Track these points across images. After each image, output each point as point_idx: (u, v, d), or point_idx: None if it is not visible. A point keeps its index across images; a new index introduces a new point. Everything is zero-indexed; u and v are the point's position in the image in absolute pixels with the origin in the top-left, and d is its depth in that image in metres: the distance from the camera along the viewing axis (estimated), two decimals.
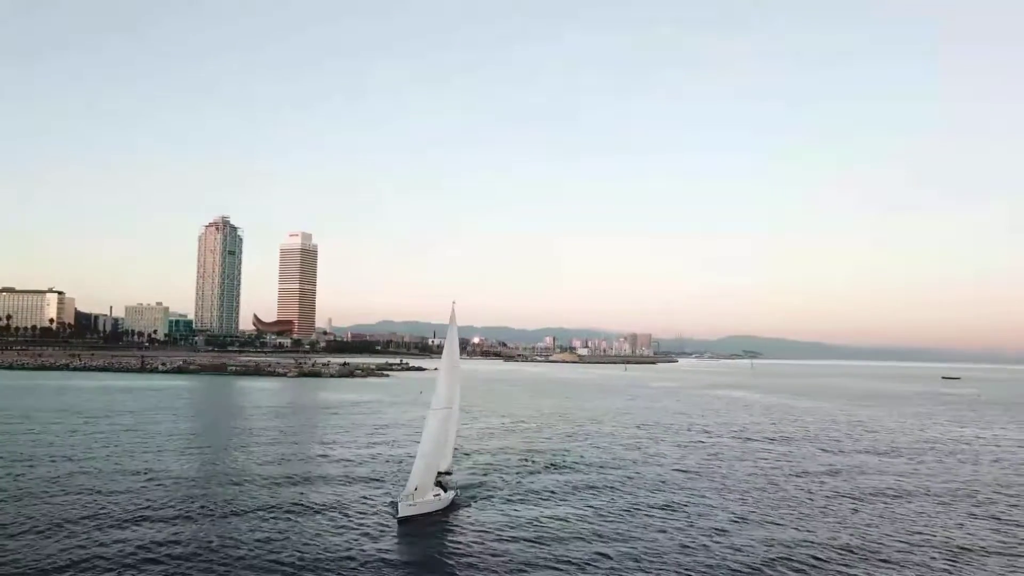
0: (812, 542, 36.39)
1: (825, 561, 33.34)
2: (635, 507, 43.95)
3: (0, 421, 77.70)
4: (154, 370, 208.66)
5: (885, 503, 46.27)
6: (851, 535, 38.05)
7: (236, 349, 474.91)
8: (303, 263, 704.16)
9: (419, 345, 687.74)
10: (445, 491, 42.51)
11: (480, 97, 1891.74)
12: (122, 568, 30.12)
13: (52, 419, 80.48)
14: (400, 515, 38.41)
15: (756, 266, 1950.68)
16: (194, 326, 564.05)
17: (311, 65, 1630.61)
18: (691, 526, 39.55)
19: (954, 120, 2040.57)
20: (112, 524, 36.52)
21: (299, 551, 33.04)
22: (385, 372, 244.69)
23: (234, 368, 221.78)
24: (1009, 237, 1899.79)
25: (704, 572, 31.84)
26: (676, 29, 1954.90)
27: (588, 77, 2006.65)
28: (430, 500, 40.51)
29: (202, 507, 40.62)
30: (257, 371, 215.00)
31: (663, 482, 52.11)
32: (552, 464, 58.46)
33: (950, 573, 32.45)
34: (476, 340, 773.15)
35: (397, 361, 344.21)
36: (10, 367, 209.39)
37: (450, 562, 32.67)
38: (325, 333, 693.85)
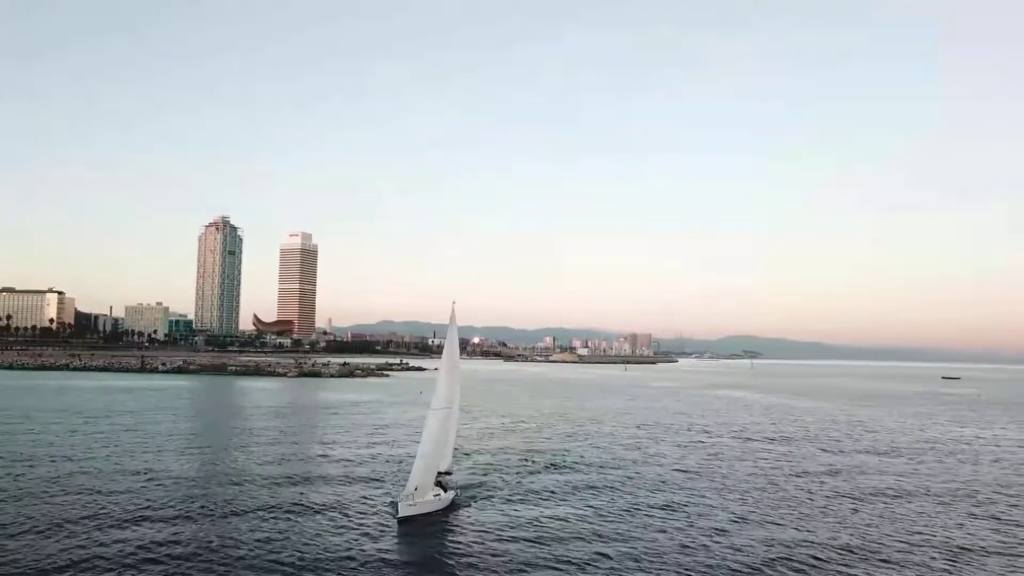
0: (812, 542, 36.40)
1: (826, 561, 33.35)
2: (635, 507, 43.95)
3: (0, 421, 77.67)
4: (154, 370, 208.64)
5: (885, 503, 46.28)
6: (851, 535, 38.05)
7: (236, 349, 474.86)
8: (303, 263, 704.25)
9: (419, 345, 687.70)
10: (445, 491, 42.50)
11: (480, 97, 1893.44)
12: (123, 568, 30.12)
13: (52, 419, 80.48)
14: (400, 515, 38.42)
15: (756, 266, 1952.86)
16: (194, 326, 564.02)
17: (311, 65, 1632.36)
18: (691, 526, 39.56)
19: (954, 120, 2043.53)
20: (113, 524, 36.54)
21: (299, 551, 33.04)
22: (385, 372, 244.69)
23: (234, 368, 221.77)
24: (1009, 237, 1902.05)
25: (705, 572, 31.85)
26: (676, 29, 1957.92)
27: (588, 77, 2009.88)
28: (430, 500, 40.49)
29: (202, 507, 40.62)
30: (257, 371, 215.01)
31: (663, 482, 52.12)
32: (552, 464, 58.47)
33: (951, 573, 32.45)
34: (476, 340, 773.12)
35: (397, 361, 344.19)
36: (10, 367, 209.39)
37: (450, 562, 32.67)
38: (325, 333, 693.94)
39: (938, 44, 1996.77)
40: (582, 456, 63.03)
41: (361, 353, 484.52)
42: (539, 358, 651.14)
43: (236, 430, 76.82)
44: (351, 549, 33.67)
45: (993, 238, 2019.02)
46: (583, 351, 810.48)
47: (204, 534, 35.22)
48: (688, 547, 35.42)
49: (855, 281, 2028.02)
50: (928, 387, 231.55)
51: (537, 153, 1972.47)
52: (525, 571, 31.53)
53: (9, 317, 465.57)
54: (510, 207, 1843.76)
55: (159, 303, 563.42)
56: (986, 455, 70.27)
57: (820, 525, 40.06)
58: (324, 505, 42.11)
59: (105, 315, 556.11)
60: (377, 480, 50.10)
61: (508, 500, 44.98)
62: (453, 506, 41.99)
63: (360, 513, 40.52)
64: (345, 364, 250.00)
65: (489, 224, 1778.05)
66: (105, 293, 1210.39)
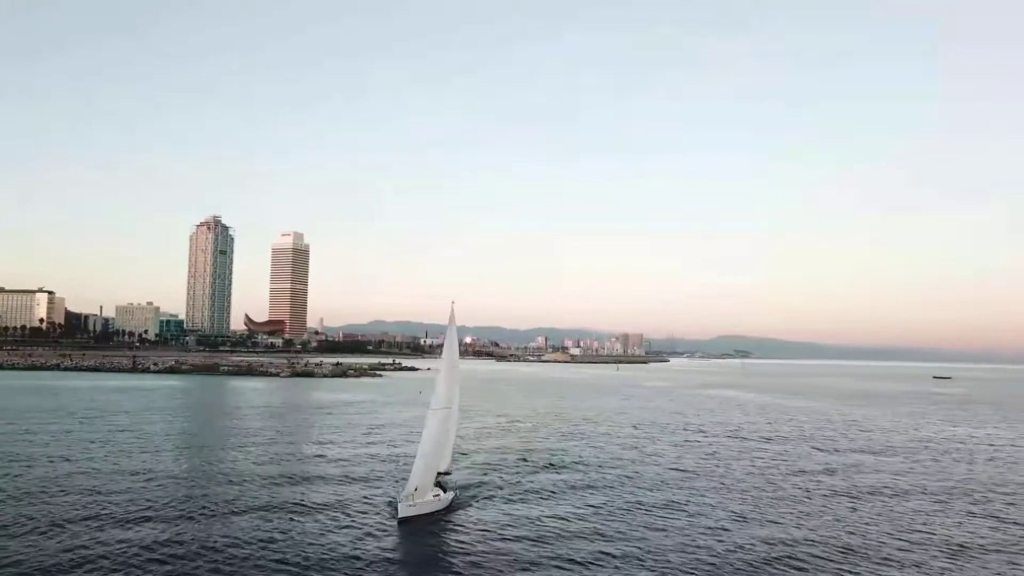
0: (813, 540, 36.60)
1: (827, 560, 33.53)
2: (635, 506, 44.08)
3: None
4: (146, 370, 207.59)
5: (883, 502, 46.56)
6: (851, 533, 38.29)
7: (227, 349, 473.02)
8: (295, 263, 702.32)
9: (411, 345, 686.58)
10: (444, 491, 42.49)
11: (480, 97, 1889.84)
12: (127, 568, 30.04)
13: (47, 419, 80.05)
14: (400, 516, 38.41)
15: (753, 266, 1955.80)
16: (185, 326, 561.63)
17: (311, 65, 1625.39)
18: (691, 524, 39.71)
19: (954, 120, 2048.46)
20: (114, 524, 36.42)
21: (300, 551, 33.00)
22: (378, 372, 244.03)
23: (226, 368, 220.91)
24: (1009, 237, 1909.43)
25: (707, 570, 31.98)
26: (676, 29, 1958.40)
27: (588, 77, 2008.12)
28: (430, 500, 40.47)
29: (202, 507, 40.52)
30: (250, 371, 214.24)
31: (662, 481, 52.27)
32: (550, 464, 58.56)
33: (951, 571, 32.68)
34: (468, 340, 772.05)
35: (390, 361, 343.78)
36: (0, 367, 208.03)
37: (451, 562, 32.70)
38: (316, 333, 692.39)
39: (938, 44, 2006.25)
40: (580, 456, 63.13)
41: (353, 353, 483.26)
42: (531, 358, 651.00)
43: (232, 430, 76.60)
44: (351, 549, 33.64)
45: (993, 238, 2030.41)
46: (575, 351, 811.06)
47: (206, 534, 35.16)
48: (689, 546, 35.57)
49: (854, 281, 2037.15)
50: (919, 387, 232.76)
51: (537, 153, 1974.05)
52: (526, 571, 31.58)
53: None
54: (509, 207, 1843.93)
55: (150, 303, 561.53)
56: (980, 454, 70.79)
57: (820, 524, 40.29)
58: (323, 505, 42.06)
59: (95, 315, 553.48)
60: (376, 480, 50.03)
61: (508, 500, 45.04)
62: (453, 506, 41.97)
63: (360, 513, 40.49)
64: (338, 364, 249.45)
65: (486, 224, 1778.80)
66: (95, 293, 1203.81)
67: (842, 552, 34.73)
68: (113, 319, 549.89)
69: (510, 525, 38.71)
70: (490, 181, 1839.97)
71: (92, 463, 53.20)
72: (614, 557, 33.49)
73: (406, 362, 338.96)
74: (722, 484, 51.53)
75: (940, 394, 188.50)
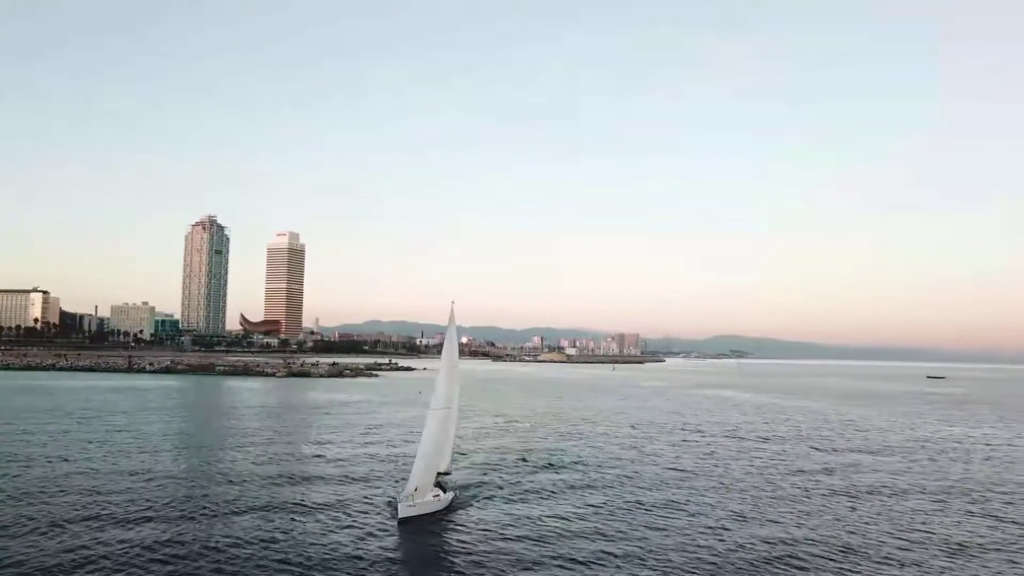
0: (813, 540, 36.69)
1: (828, 559, 33.61)
2: (634, 506, 44.14)
3: None
4: (141, 370, 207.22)
5: (882, 501, 46.69)
6: (851, 533, 38.39)
7: (223, 349, 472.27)
8: (290, 263, 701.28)
9: (407, 345, 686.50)
10: (444, 491, 42.47)
11: (480, 97, 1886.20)
12: (129, 568, 29.98)
13: (44, 419, 79.87)
14: (400, 516, 38.38)
15: (748, 266, 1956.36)
16: (180, 326, 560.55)
17: (311, 65, 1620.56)
18: (691, 524, 39.78)
19: (954, 120, 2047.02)
20: (114, 524, 36.35)
21: (301, 551, 32.96)
22: (375, 372, 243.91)
23: (222, 368, 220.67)
24: (1008, 237, 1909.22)
25: (708, 570, 32.03)
26: (676, 29, 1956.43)
27: (588, 77, 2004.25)
28: (430, 501, 40.44)
29: (202, 507, 40.47)
30: (246, 371, 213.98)
31: (661, 481, 52.35)
32: (549, 463, 58.61)
33: (951, 570, 32.78)
34: (464, 340, 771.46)
35: (386, 361, 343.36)
36: None
37: (452, 562, 32.69)
38: (312, 333, 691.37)
39: (938, 44, 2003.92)
40: (579, 455, 63.19)
41: (349, 353, 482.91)
42: (527, 358, 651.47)
43: (230, 430, 76.50)
44: (353, 549, 33.61)
45: (992, 238, 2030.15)
46: (571, 351, 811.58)
47: (207, 534, 35.11)
48: (690, 545, 35.63)
49: (852, 281, 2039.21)
50: (915, 387, 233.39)
51: (537, 153, 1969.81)
52: (528, 570, 31.60)
53: None
54: (506, 207, 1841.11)
55: (145, 303, 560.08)
56: (977, 453, 71.06)
57: (819, 523, 40.39)
58: (324, 505, 42.03)
59: (90, 315, 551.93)
60: (375, 480, 50.03)
61: (508, 500, 45.06)
62: (452, 506, 41.93)
63: (361, 513, 40.46)
64: (334, 364, 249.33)
65: (483, 224, 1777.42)
66: (90, 292, 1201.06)
67: (843, 551, 34.82)
68: (108, 319, 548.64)
69: (511, 525, 38.73)
70: (489, 181, 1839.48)
71: (91, 463, 53.10)
72: (616, 556, 33.54)
73: (402, 362, 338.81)
74: (721, 484, 51.63)
75: (935, 394, 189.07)
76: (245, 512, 39.80)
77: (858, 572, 31.96)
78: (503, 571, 31.36)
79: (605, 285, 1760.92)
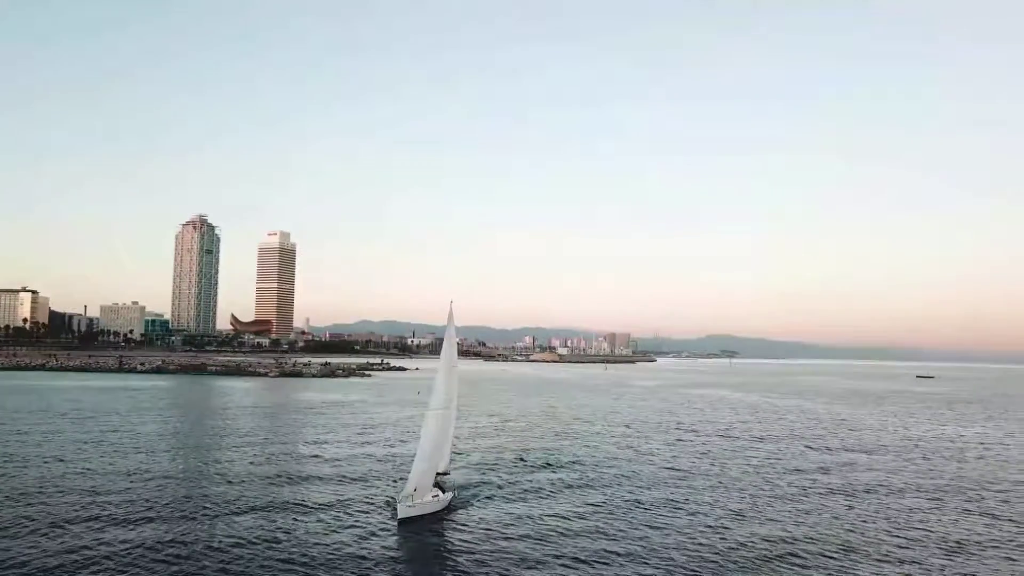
0: (812, 538, 36.92)
1: (828, 558, 33.82)
2: (633, 505, 44.31)
3: None
4: (132, 370, 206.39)
5: (879, 500, 47.06)
6: (849, 531, 38.68)
7: (214, 349, 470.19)
8: (281, 262, 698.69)
9: (399, 345, 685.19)
10: (443, 492, 42.50)
11: (480, 97, 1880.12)
12: (132, 568, 29.92)
13: (38, 420, 79.51)
14: (400, 516, 38.39)
15: (741, 266, 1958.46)
16: (171, 326, 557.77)
17: (311, 65, 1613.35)
18: (691, 523, 39.96)
19: (954, 120, 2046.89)
20: (114, 524, 36.26)
21: (304, 551, 32.96)
22: (367, 372, 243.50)
23: (214, 368, 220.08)
24: (1008, 237, 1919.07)
25: (711, 568, 32.17)
26: (676, 29, 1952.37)
27: (588, 77, 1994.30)
28: (429, 501, 40.46)
29: (203, 507, 40.40)
30: (238, 371, 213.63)
31: (658, 480, 52.56)
32: (547, 463, 58.74)
33: (949, 567, 33.06)
34: (456, 340, 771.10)
35: (378, 361, 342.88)
36: None
37: (452, 562, 32.73)
38: (303, 333, 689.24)
39: (938, 44, 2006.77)
40: (575, 455, 63.35)
41: (340, 353, 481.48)
42: (519, 358, 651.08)
43: (225, 430, 76.32)
44: (354, 549, 33.64)
45: (993, 238, 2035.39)
46: (563, 351, 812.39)
47: (209, 534, 35.06)
48: (690, 543, 35.80)
49: (842, 281, 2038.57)
50: (903, 386, 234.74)
51: (537, 153, 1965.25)
52: (529, 570, 31.67)
53: None
54: (500, 208, 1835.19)
55: (135, 303, 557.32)
56: (970, 452, 71.70)
57: (818, 521, 40.67)
58: (324, 505, 42.02)
59: (80, 315, 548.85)
60: (373, 480, 50.06)
61: (507, 499, 45.15)
62: (452, 506, 41.98)
63: (362, 513, 40.49)
64: (326, 364, 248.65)
65: (476, 224, 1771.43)
66: (80, 292, 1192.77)
67: (842, 550, 35.07)
68: (98, 319, 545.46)
69: (510, 525, 38.82)
70: (479, 182, 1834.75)
71: (87, 464, 52.91)
72: (617, 555, 33.67)
73: (394, 362, 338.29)
74: (719, 483, 51.87)
75: (924, 393, 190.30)
76: (246, 512, 39.76)
77: (858, 570, 32.18)
78: (504, 571, 31.43)
79: (592, 285, 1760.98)
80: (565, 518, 40.38)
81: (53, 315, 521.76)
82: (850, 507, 44.61)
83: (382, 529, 37.35)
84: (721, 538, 36.87)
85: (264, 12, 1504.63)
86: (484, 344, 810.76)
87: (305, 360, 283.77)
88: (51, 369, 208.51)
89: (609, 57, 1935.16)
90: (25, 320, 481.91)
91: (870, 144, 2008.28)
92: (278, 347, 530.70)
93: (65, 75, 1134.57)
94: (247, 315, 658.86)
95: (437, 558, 33.46)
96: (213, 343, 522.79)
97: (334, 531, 36.61)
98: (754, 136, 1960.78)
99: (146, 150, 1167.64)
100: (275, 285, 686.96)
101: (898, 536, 37.90)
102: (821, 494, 48.44)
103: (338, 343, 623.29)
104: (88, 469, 50.71)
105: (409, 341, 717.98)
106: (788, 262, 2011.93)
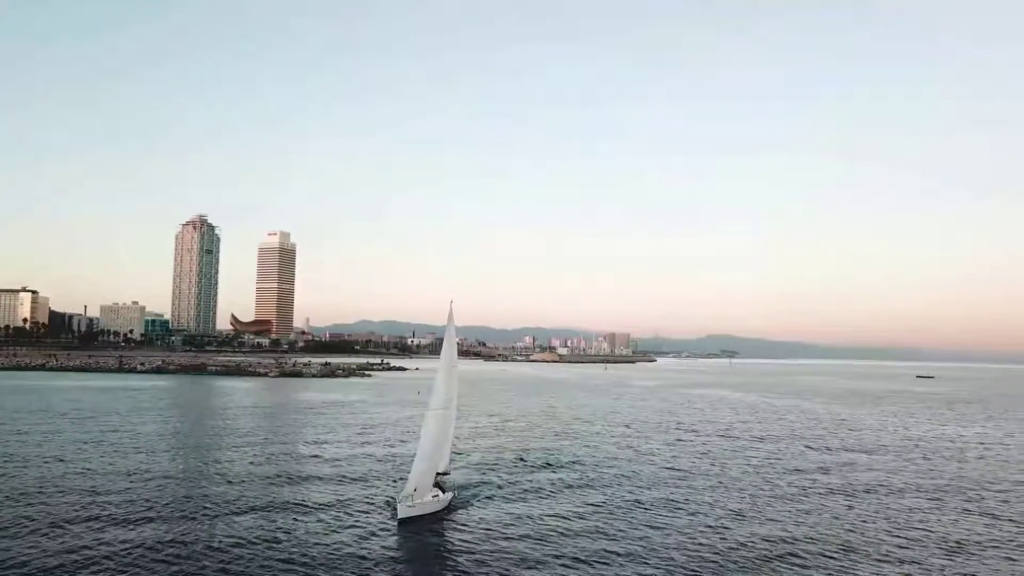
0: (813, 538, 36.93)
1: (828, 557, 33.83)
2: (633, 505, 44.32)
3: None
4: (133, 370, 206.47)
5: (879, 500, 47.06)
6: (850, 531, 38.68)
7: (214, 349, 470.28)
8: (281, 262, 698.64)
9: (399, 345, 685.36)
10: (443, 492, 42.49)
11: (480, 97, 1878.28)
12: (133, 569, 29.93)
13: (38, 420, 79.55)
14: (400, 516, 38.39)
15: (740, 266, 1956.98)
16: (171, 326, 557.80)
17: (311, 65, 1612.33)
18: (692, 523, 39.96)
19: (954, 120, 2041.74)
20: (115, 524, 36.27)
21: (304, 551, 32.97)
22: (367, 372, 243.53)
23: (214, 368, 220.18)
24: (1008, 237, 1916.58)
25: (712, 568, 32.18)
26: (676, 29, 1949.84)
27: (589, 76, 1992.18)
28: (429, 501, 40.45)
29: (203, 507, 40.41)
30: (238, 371, 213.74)
31: (658, 480, 52.57)
32: (547, 463, 58.74)
33: (950, 567, 33.06)
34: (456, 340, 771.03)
35: (378, 361, 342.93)
36: None
37: (452, 562, 32.72)
38: (303, 333, 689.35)
39: (938, 44, 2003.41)
40: (575, 455, 63.36)
41: (340, 353, 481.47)
42: (519, 358, 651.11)
43: (225, 430, 76.32)
44: (352, 549, 33.64)
45: (992, 238, 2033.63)
46: (563, 351, 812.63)
47: (209, 534, 35.07)
48: (691, 543, 35.80)
49: (843, 281, 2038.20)
50: (903, 386, 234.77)
51: (537, 153, 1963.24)
52: (530, 570, 31.67)
53: None
54: (499, 208, 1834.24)
55: (135, 302, 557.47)
56: (970, 452, 71.72)
57: (818, 521, 40.68)
58: (325, 505, 42.03)
59: (80, 315, 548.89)
60: (373, 480, 50.06)
61: (507, 499, 45.16)
62: (451, 506, 41.98)
63: (362, 512, 40.50)
64: (326, 364, 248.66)
65: (474, 224, 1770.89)
66: (80, 292, 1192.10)
67: (843, 549, 35.07)
68: (98, 319, 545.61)
69: (511, 524, 38.82)
70: (479, 182, 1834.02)
71: (87, 464, 52.92)
72: (618, 555, 33.68)
73: (394, 362, 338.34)
74: (719, 483, 51.87)
75: (924, 393, 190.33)
76: (246, 512, 39.77)
77: (858, 570, 32.18)
78: (505, 571, 31.43)
79: (592, 285, 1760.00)
80: (565, 518, 40.38)
81: (53, 315, 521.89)
82: (850, 507, 44.62)
83: (382, 529, 37.35)
84: (721, 538, 36.88)
85: (264, 12, 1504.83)
86: (484, 344, 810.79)
87: (305, 360, 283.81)
88: (51, 369, 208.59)
89: (609, 57, 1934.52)
90: (25, 320, 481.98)
91: (870, 144, 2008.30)
92: (278, 347, 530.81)
93: (65, 75, 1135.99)
94: (247, 315, 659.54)
95: (437, 558, 33.46)
96: (213, 343, 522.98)
97: (334, 531, 36.60)
98: (754, 136, 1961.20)
99: (146, 150, 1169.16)
100: (275, 285, 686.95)
101: (898, 536, 37.90)
102: (821, 494, 48.45)
103: (338, 343, 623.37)
104: (88, 469, 50.73)
105: (409, 341, 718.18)
106: (788, 262, 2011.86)
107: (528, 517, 40.41)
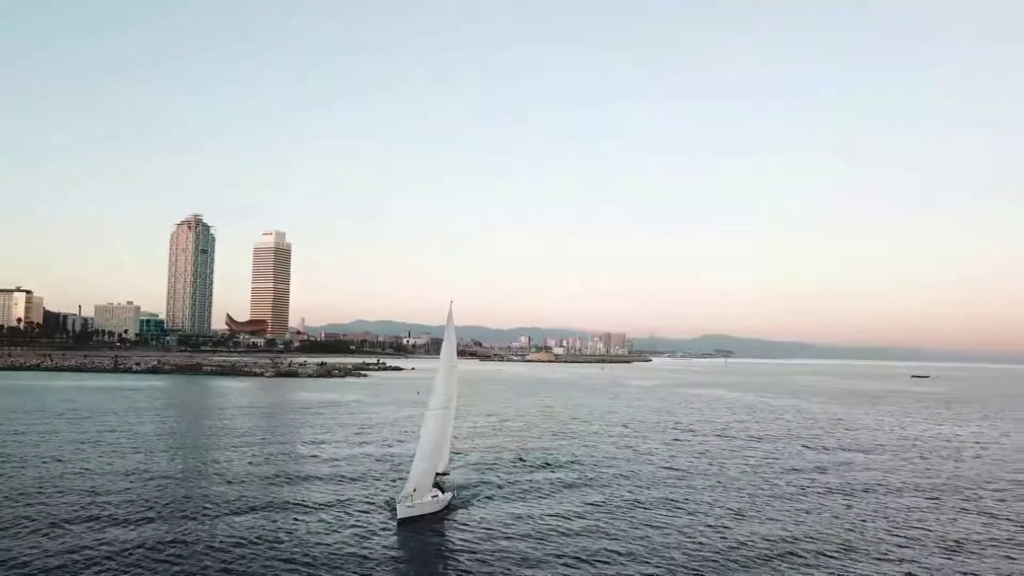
0: (812, 538, 37.03)
1: (828, 557, 33.92)
2: (633, 504, 44.39)
3: None
4: (128, 370, 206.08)
5: (877, 499, 47.19)
6: (849, 531, 38.78)
7: (209, 349, 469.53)
8: (277, 262, 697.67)
9: (394, 345, 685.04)
10: (443, 492, 42.49)
11: (480, 97, 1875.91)
12: (134, 569, 29.86)
13: (34, 420, 79.32)
14: (399, 517, 38.37)
15: (736, 266, 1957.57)
16: (166, 326, 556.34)
17: (311, 65, 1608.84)
18: (691, 522, 40.03)
19: (954, 120, 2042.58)
20: (115, 525, 36.21)
21: (305, 551, 32.94)
22: (363, 372, 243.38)
23: (210, 368, 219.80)
24: (1008, 237, 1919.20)
25: (712, 567, 32.24)
26: (676, 29, 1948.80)
27: (589, 76, 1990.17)
28: (428, 501, 40.45)
29: (203, 507, 40.34)
30: (234, 371, 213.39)
31: (657, 479, 52.64)
32: (546, 463, 58.79)
33: (949, 567, 33.17)
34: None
35: (374, 361, 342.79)
36: None
37: (451, 562, 32.71)
38: (298, 333, 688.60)
39: (938, 44, 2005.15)
40: (574, 454, 63.43)
41: (336, 353, 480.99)
42: (515, 357, 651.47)
43: (223, 430, 76.19)
44: (352, 549, 33.60)
45: (992, 237, 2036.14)
46: (559, 350, 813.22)
47: (210, 534, 35.02)
48: (691, 543, 35.87)
49: (838, 281, 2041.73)
50: (898, 385, 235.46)
51: (537, 153, 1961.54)
52: (530, 569, 31.68)
53: None
54: (495, 208, 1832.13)
55: (130, 302, 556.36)
56: (967, 451, 71.97)
57: (817, 521, 40.79)
58: (323, 505, 42.00)
59: (74, 314, 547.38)
60: (372, 480, 50.03)
61: (506, 499, 45.17)
62: (451, 507, 41.98)
63: (362, 512, 40.48)
64: (322, 364, 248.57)
65: (472, 224, 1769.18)
66: (74, 292, 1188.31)
67: (841, 549, 35.17)
68: (93, 319, 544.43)
69: (510, 524, 38.84)
70: (476, 182, 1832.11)
71: (86, 464, 52.80)
72: (618, 555, 33.73)
73: (390, 362, 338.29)
74: (718, 482, 51.98)
75: (921, 393, 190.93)
76: (246, 512, 39.73)
77: (857, 569, 32.28)
78: (505, 571, 31.43)
79: (595, 285, 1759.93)
80: (565, 518, 40.41)
81: (48, 315, 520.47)
82: (848, 506, 44.76)
83: (382, 529, 37.34)
84: (721, 537, 36.96)
85: (264, 12, 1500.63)
86: (480, 344, 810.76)
87: (301, 360, 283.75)
88: (46, 369, 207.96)
89: (609, 57, 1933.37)
90: (19, 320, 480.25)
91: (870, 144, 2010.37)
92: (274, 347, 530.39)
93: (65, 75, 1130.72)
94: (243, 315, 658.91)
95: (437, 558, 33.47)
96: (208, 343, 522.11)
97: (334, 531, 36.58)
98: (754, 136, 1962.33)
99: (146, 150, 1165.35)
100: (271, 285, 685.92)
101: (896, 535, 38.03)
102: (819, 493, 48.58)
103: (334, 343, 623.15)
104: (87, 469, 50.62)
105: (405, 341, 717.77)
106: (788, 262, 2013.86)
107: (528, 517, 40.45)
